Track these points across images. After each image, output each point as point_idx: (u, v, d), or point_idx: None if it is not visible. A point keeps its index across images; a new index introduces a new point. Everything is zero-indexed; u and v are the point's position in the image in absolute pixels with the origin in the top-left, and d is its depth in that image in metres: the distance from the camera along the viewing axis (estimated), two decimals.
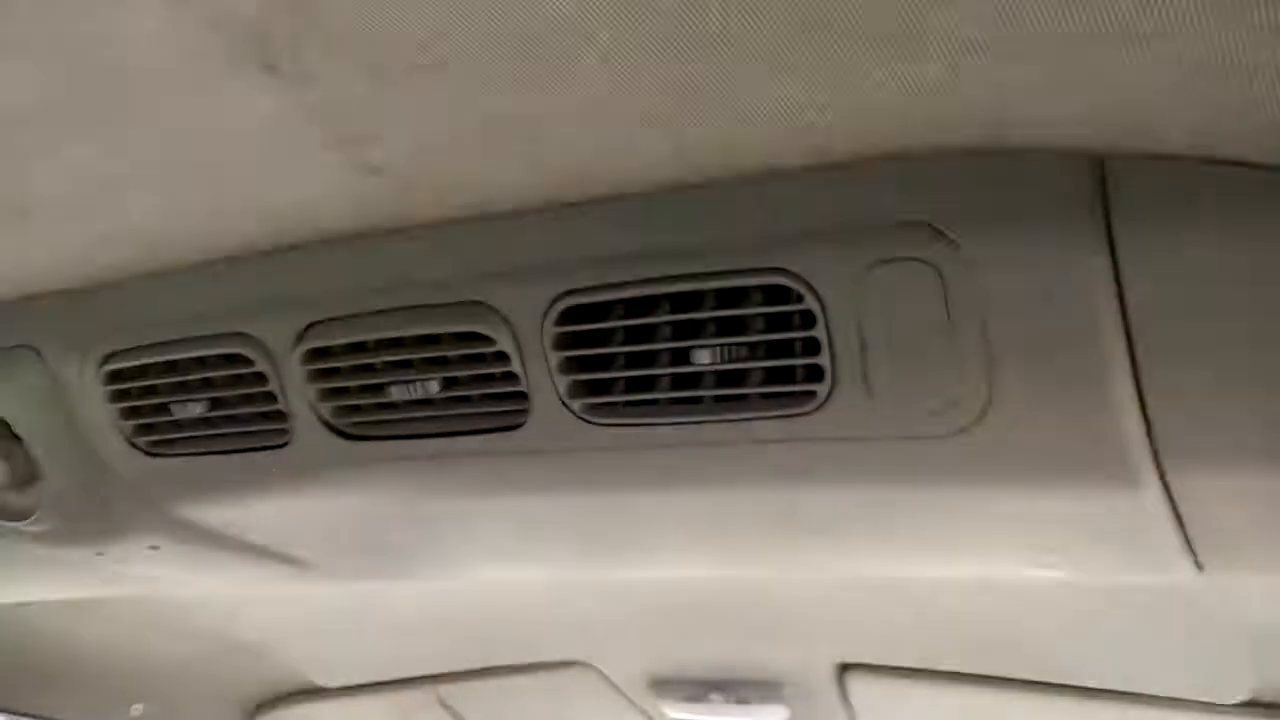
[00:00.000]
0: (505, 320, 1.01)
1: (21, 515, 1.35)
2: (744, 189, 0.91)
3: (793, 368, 0.94)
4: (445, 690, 2.26)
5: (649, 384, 0.99)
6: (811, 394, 0.93)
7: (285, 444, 1.17)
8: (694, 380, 0.97)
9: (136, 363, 1.19)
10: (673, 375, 0.98)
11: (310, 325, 1.09)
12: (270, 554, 1.40)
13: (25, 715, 2.30)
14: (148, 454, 1.25)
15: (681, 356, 0.97)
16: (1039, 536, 1.06)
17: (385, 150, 0.88)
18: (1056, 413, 0.88)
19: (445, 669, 2.23)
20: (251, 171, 0.92)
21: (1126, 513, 0.95)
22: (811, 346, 0.92)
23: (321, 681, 2.35)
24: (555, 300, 0.98)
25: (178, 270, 1.12)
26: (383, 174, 0.92)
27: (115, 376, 1.21)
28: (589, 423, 1.02)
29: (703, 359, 0.95)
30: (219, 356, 1.15)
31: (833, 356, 0.91)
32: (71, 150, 0.87)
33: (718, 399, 0.97)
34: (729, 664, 1.98)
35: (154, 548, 1.36)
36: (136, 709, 2.36)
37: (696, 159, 0.89)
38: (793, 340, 0.93)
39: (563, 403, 1.02)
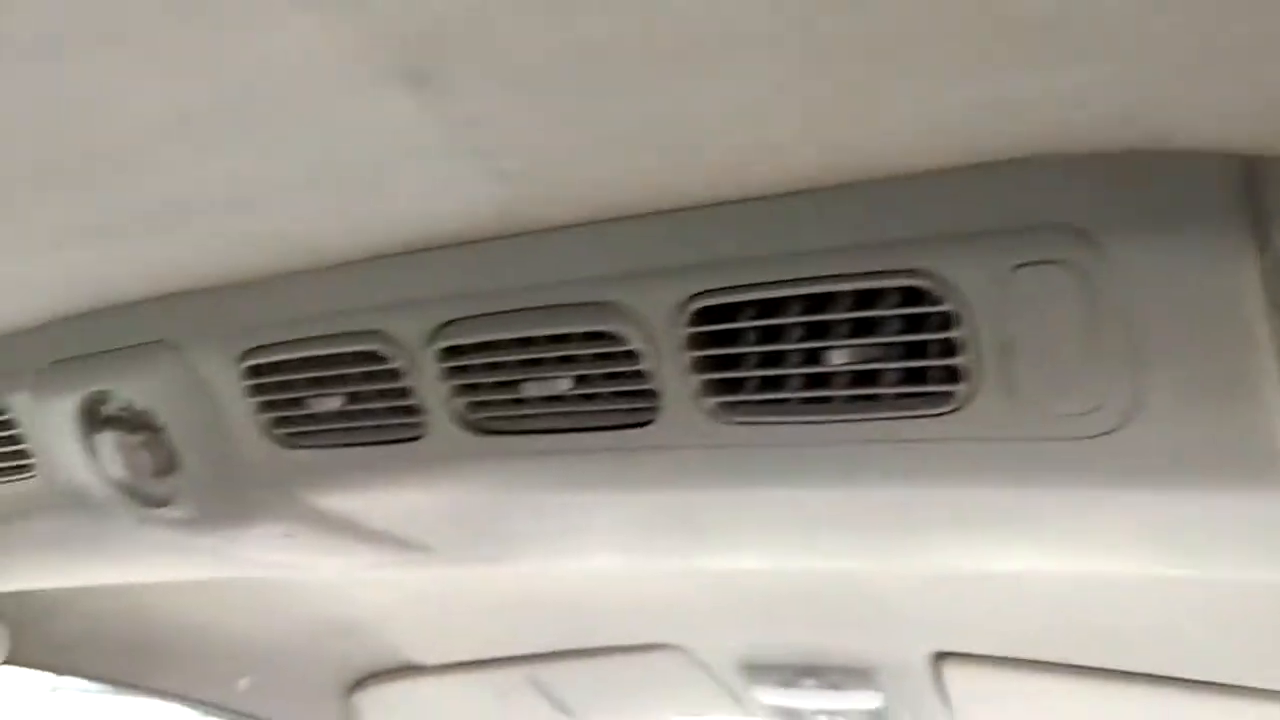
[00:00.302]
0: (637, 320, 1.02)
1: (161, 503, 1.40)
2: (882, 190, 0.91)
3: (928, 368, 0.94)
4: (538, 669, 2.30)
5: (780, 383, 1.00)
6: (949, 395, 0.93)
7: (418, 438, 1.20)
8: (826, 379, 0.98)
9: (275, 358, 1.23)
10: (805, 374, 0.98)
11: (444, 324, 1.12)
12: (393, 539, 1.44)
13: (139, 688, 2.40)
14: (284, 445, 1.29)
15: (813, 355, 0.97)
16: (1172, 535, 1.05)
17: (522, 157, 0.90)
18: (1203, 415, 0.88)
19: (539, 649, 2.27)
20: (391, 177, 0.94)
21: (1267, 513, 0.95)
22: (949, 348, 0.92)
23: (419, 659, 2.41)
24: (688, 301, 0.99)
25: (316, 269, 1.16)
26: (519, 179, 0.94)
27: (254, 371, 1.25)
28: (719, 421, 1.04)
29: (837, 359, 0.96)
30: (355, 353, 1.18)
31: (972, 358, 0.91)
32: (222, 157, 0.90)
33: (850, 398, 0.98)
34: (822, 650, 1.99)
35: (288, 535, 1.41)
36: (243, 683, 2.45)
37: (839, 161, 0.89)
38: (929, 341, 0.93)
39: (693, 401, 1.03)
